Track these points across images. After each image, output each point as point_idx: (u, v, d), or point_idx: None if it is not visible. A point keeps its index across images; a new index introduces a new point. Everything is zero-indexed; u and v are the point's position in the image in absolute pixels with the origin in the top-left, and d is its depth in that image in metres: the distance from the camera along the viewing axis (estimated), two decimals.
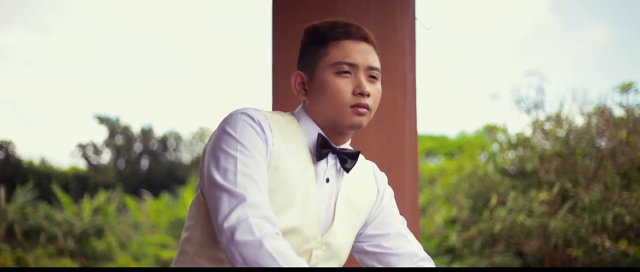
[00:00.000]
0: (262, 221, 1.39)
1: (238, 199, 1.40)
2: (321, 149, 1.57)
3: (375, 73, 1.57)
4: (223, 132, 1.50)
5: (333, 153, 1.59)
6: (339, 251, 1.63)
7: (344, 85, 1.54)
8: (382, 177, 1.77)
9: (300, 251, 1.54)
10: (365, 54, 1.56)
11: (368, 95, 1.54)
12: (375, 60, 1.58)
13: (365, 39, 1.57)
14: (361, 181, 1.69)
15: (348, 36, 1.56)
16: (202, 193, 1.56)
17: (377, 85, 1.58)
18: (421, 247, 1.75)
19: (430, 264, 1.70)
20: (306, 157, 1.57)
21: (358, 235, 1.71)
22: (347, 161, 1.60)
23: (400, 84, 2.89)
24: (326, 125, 1.58)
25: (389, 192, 1.77)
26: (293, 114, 1.64)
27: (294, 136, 1.57)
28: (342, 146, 1.61)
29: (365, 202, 1.69)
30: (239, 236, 1.36)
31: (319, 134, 1.57)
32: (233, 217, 1.39)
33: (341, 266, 1.66)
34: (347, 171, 1.60)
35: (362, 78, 1.54)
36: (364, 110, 1.55)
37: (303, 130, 1.59)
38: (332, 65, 1.54)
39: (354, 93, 1.54)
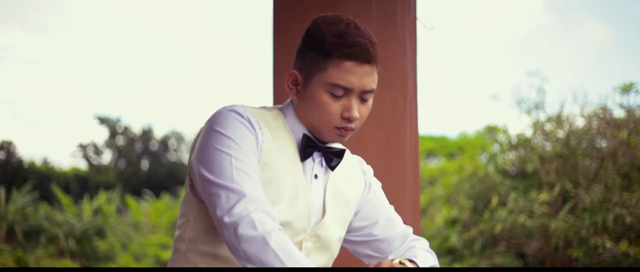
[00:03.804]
0: (264, 215, 1.40)
1: (237, 194, 1.41)
2: (306, 148, 1.57)
3: (369, 94, 1.54)
4: (213, 131, 1.49)
5: (318, 151, 1.59)
6: (330, 244, 1.63)
7: (334, 107, 1.51)
8: (369, 169, 1.78)
9: None
10: (363, 78, 1.50)
11: (356, 119, 1.53)
12: (373, 82, 1.53)
13: (369, 61, 1.50)
14: (348, 174, 1.70)
15: (352, 57, 1.48)
16: (191, 191, 1.57)
17: (367, 104, 1.56)
18: (411, 229, 1.74)
19: (423, 243, 1.71)
20: (294, 153, 1.57)
21: (349, 227, 1.72)
22: (332, 159, 1.60)
23: (401, 83, 2.88)
24: (311, 129, 1.59)
25: (376, 182, 1.78)
26: (279, 109, 1.63)
27: (280, 132, 1.57)
28: (327, 144, 1.61)
29: (353, 194, 1.69)
30: (242, 230, 1.38)
31: (304, 135, 1.58)
32: (235, 212, 1.40)
33: (333, 259, 1.66)
34: (332, 169, 1.61)
35: (354, 102, 1.51)
36: (348, 132, 1.55)
37: (289, 127, 1.59)
38: (328, 84, 1.50)
39: (342, 116, 1.52)
